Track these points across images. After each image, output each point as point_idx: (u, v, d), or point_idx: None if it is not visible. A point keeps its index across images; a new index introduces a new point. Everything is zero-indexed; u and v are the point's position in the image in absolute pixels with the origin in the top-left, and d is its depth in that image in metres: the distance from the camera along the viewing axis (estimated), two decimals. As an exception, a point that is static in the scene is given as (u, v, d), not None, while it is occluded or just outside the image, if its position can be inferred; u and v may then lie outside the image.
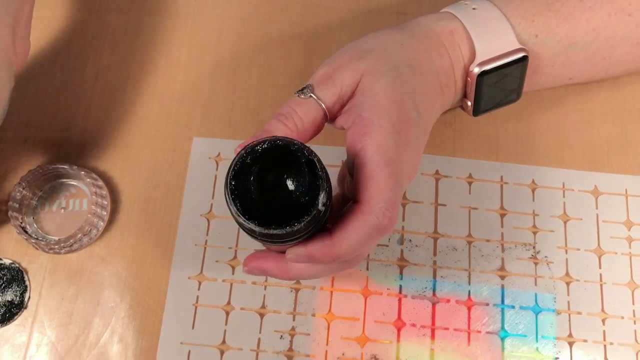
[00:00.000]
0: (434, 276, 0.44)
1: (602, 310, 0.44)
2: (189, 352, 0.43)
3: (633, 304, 0.44)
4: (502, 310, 0.44)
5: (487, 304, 0.44)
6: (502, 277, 0.45)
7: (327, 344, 0.43)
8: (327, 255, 0.33)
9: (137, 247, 0.45)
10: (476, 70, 0.40)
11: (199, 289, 0.44)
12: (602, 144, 0.48)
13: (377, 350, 0.43)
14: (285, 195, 0.32)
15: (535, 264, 0.45)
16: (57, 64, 0.50)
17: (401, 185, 0.35)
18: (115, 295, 0.44)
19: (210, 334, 0.43)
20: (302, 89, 0.37)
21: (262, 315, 0.44)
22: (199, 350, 0.43)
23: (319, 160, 0.31)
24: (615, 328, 0.44)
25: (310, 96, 0.37)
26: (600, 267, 0.45)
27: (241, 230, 0.32)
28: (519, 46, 0.40)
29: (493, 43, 0.40)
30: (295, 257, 0.34)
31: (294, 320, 0.43)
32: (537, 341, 0.43)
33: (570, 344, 0.43)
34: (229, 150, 0.47)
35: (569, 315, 0.44)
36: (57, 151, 0.48)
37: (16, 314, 0.44)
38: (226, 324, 0.43)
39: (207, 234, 0.45)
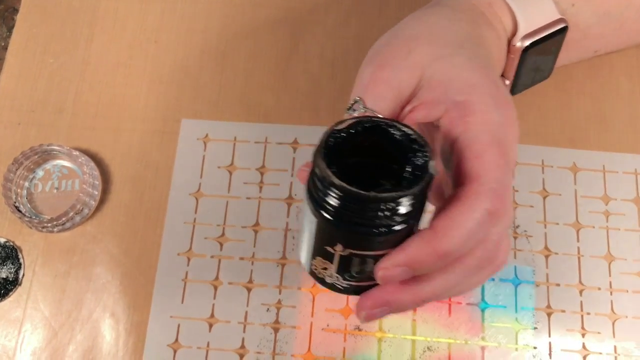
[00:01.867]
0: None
1: (580, 281, 0.45)
2: (179, 325, 0.44)
3: (609, 275, 0.46)
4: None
5: (468, 277, 0.45)
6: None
7: (312, 316, 0.44)
8: (432, 251, 0.27)
9: (127, 226, 0.47)
10: (519, 44, 0.37)
11: (188, 264, 0.46)
12: (581, 122, 0.49)
13: (361, 321, 0.44)
14: (383, 176, 0.28)
15: (515, 237, 0.46)
16: (50, 49, 0.52)
17: (511, 168, 0.29)
18: (107, 271, 0.46)
19: (199, 307, 0.45)
20: (352, 105, 0.32)
21: (249, 290, 0.45)
22: (188, 323, 0.44)
23: (418, 134, 0.27)
24: (592, 299, 0.45)
25: (365, 111, 0.31)
26: (578, 241, 0.46)
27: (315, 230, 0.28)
28: (559, 16, 0.37)
29: (535, 13, 0.37)
30: (392, 265, 0.27)
31: (280, 293, 0.45)
32: (516, 312, 0.45)
33: (549, 315, 0.44)
34: (217, 131, 0.49)
35: (548, 287, 0.45)
36: (50, 133, 0.49)
37: (11, 290, 0.45)
38: (214, 298, 0.45)
39: (195, 212, 0.47)
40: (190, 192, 0.47)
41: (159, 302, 0.45)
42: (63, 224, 0.46)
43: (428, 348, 0.44)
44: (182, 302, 0.45)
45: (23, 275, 0.46)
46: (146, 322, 0.44)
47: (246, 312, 0.44)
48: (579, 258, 0.46)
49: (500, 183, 0.28)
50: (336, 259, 0.29)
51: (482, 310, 0.44)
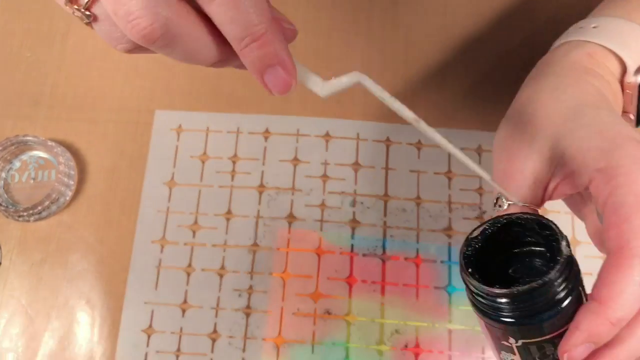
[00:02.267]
0: (384, 235, 0.47)
1: (544, 265, 0.46)
2: (152, 311, 0.45)
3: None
4: (449, 267, 0.46)
5: (435, 261, 0.46)
6: (449, 236, 0.47)
7: (282, 300, 0.45)
8: (605, 321, 0.29)
9: (102, 214, 0.48)
10: (633, 79, 0.38)
11: (161, 252, 0.47)
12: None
13: (330, 305, 0.45)
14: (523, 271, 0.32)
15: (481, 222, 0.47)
16: (27, 44, 0.53)
17: None
18: (82, 259, 0.47)
19: (172, 294, 0.46)
20: (497, 202, 0.35)
21: (221, 276, 0.46)
22: (162, 309, 0.45)
23: (552, 223, 0.31)
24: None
25: (509, 204, 0.34)
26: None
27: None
28: None
29: (637, 49, 0.37)
30: (574, 346, 0.29)
31: (251, 279, 0.46)
32: (481, 295, 0.46)
33: (514, 297, 0.46)
34: (190, 121, 0.50)
35: (513, 270, 0.46)
36: (26, 125, 0.50)
37: (-12, 278, 0.46)
38: (187, 284, 0.46)
39: (168, 201, 0.48)
40: (164, 182, 0.48)
41: (133, 288, 0.46)
42: (39, 213, 0.47)
43: (396, 331, 0.45)
44: (156, 288, 0.46)
45: (0, 264, 0.47)
46: (121, 308, 0.45)
47: (218, 298, 0.45)
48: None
49: None
50: (516, 350, 0.32)
51: (449, 294, 0.45)
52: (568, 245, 0.31)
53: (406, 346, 0.44)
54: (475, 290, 0.31)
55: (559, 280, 0.30)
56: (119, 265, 0.46)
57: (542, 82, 0.36)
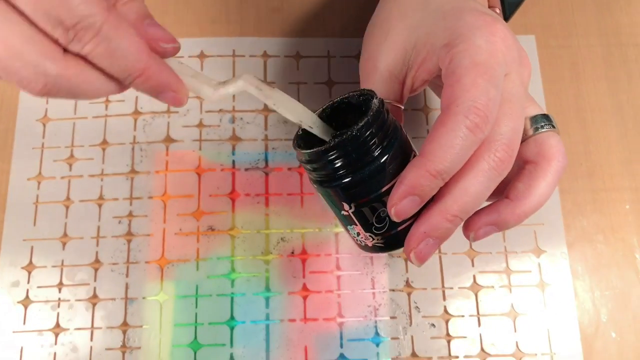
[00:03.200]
0: (266, 149, 0.46)
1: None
2: (32, 247, 0.44)
3: (427, 124, 0.46)
4: (333, 172, 0.45)
5: (319, 168, 0.45)
6: (332, 142, 0.46)
7: (164, 222, 0.44)
8: (426, 173, 0.29)
9: (-25, 158, 0.46)
10: None
11: (38, 188, 0.45)
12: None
13: (213, 221, 0.44)
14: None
15: (364, 127, 0.47)
16: None
17: (497, 85, 0.30)
18: (-44, 204, 0.45)
19: (51, 228, 0.44)
20: None
21: (100, 205, 0.45)
22: (41, 244, 0.44)
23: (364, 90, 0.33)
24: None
25: None
26: (427, 124, 0.47)
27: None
28: None
29: None
30: (398, 198, 0.30)
31: (131, 205, 0.45)
32: (367, 196, 0.45)
33: (401, 196, 0.45)
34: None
35: (398, 169, 0.46)
36: None
37: None
38: (66, 217, 0.44)
39: (43, 137, 0.46)
40: (37, 118, 0.47)
41: (11, 226, 0.44)
42: None
43: (282, 239, 0.44)
44: (35, 224, 0.44)
45: None
46: None
47: (98, 227, 0.44)
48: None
49: (478, 100, 0.29)
50: (354, 218, 0.32)
51: (336, 199, 0.45)
52: (381, 103, 0.31)
53: (292, 252, 0.44)
54: (301, 159, 0.32)
55: (370, 132, 0.30)
56: (-5, 207, 0.45)
57: None
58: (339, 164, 0.30)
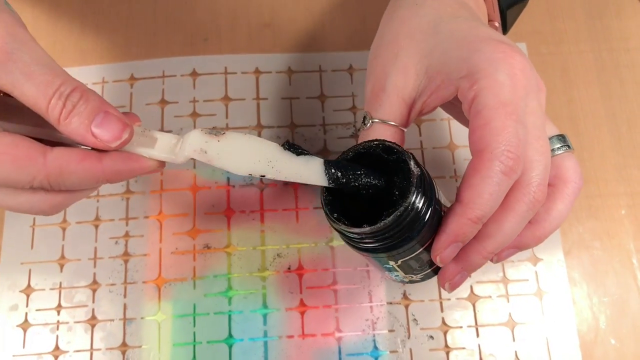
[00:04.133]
0: (260, 165, 0.46)
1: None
2: (30, 270, 0.44)
3: (453, 163, 0.46)
4: (328, 187, 0.46)
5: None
6: (325, 157, 0.46)
7: (160, 242, 0.44)
8: (467, 221, 0.30)
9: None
10: None
11: (34, 211, 0.45)
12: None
13: (209, 239, 0.44)
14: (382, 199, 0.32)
15: (357, 140, 0.47)
16: None
17: (524, 122, 0.31)
18: (-46, 230, 0.45)
19: (48, 251, 0.44)
20: (363, 121, 0.35)
21: (96, 226, 0.45)
22: (39, 267, 0.44)
23: (410, 155, 0.31)
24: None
25: (372, 122, 0.34)
26: (420, 135, 0.47)
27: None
28: None
29: None
30: (442, 248, 0.31)
31: (127, 225, 0.45)
32: (363, 209, 0.45)
33: (396, 208, 0.45)
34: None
35: (393, 182, 0.46)
36: None
37: None
38: (63, 240, 0.45)
39: (38, 160, 0.46)
40: (32, 141, 0.47)
41: (9, 250, 0.44)
42: None
43: (278, 255, 0.44)
44: (32, 247, 0.44)
45: None
46: (-2, 273, 0.44)
47: (95, 248, 0.44)
48: (422, 151, 0.47)
49: (509, 143, 0.30)
50: (398, 268, 0.34)
51: (331, 213, 0.45)
52: (416, 163, 0.30)
53: (289, 268, 0.44)
54: (346, 234, 0.31)
55: (417, 199, 0.30)
56: (-7, 231, 0.45)
57: (401, 1, 0.36)
58: (387, 235, 0.30)
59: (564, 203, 0.35)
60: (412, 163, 0.30)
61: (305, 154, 0.30)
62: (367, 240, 0.31)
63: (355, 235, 0.31)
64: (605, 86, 0.48)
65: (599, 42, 0.50)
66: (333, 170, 0.30)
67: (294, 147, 0.31)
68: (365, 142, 0.32)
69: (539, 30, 0.50)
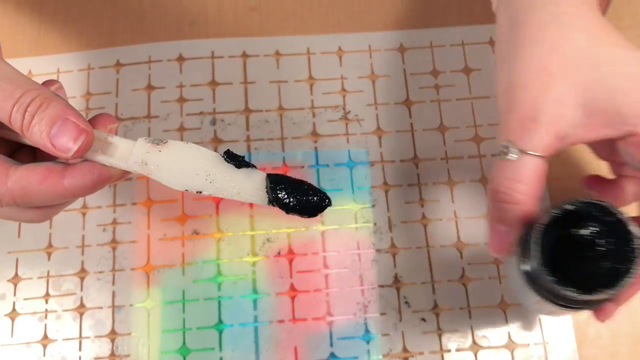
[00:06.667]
0: (248, 149, 0.46)
1: (415, 155, 0.45)
2: (17, 259, 0.43)
3: (444, 145, 0.46)
4: (317, 170, 0.45)
5: (302, 167, 0.45)
6: (315, 141, 0.46)
7: (148, 229, 0.44)
8: None
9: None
10: None
11: (21, 200, 0.45)
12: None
13: (197, 225, 0.44)
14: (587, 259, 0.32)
15: (346, 123, 0.46)
16: None
17: None
18: (-60, 220, 0.45)
19: (35, 239, 0.44)
20: (503, 150, 0.32)
21: (84, 214, 0.44)
22: (26, 256, 0.43)
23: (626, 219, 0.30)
24: (428, 169, 0.45)
25: (521, 153, 0.32)
26: (410, 117, 0.47)
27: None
28: None
29: None
30: (614, 309, 0.33)
31: (114, 212, 0.44)
32: (353, 193, 0.45)
33: (386, 191, 0.45)
34: (39, 67, 0.48)
35: (383, 165, 0.45)
36: None
37: None
38: (51, 227, 0.44)
39: (24, 148, 0.46)
40: (18, 129, 0.46)
41: (-5, 240, 0.44)
42: None
43: (267, 240, 0.43)
44: (19, 236, 0.44)
45: None
46: (-15, 262, 0.44)
47: (83, 236, 0.44)
48: (412, 133, 0.46)
49: None
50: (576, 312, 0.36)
51: (321, 197, 0.44)
52: (635, 226, 0.30)
53: (279, 253, 0.43)
54: (568, 297, 0.30)
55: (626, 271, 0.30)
56: (-21, 220, 0.44)
57: (537, 21, 0.33)
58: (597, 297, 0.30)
59: None
60: (632, 227, 0.30)
61: (247, 166, 0.29)
62: (577, 299, 0.30)
63: (577, 298, 0.30)
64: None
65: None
66: (276, 188, 0.29)
67: (235, 159, 0.29)
68: (575, 201, 0.30)
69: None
